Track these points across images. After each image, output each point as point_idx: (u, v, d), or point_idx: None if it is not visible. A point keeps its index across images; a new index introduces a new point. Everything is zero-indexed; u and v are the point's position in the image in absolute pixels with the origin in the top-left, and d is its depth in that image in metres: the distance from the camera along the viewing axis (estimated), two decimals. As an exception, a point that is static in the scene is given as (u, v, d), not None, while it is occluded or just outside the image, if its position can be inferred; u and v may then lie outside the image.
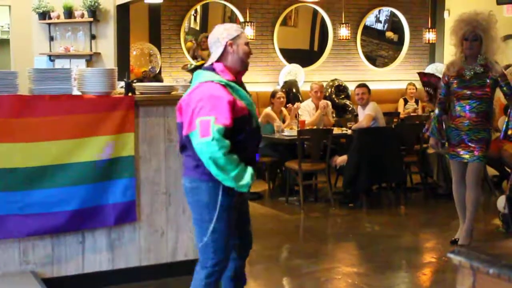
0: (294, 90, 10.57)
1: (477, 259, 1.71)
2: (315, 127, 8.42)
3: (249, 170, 3.53)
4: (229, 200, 3.63)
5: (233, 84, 3.62)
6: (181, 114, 3.62)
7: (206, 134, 3.41)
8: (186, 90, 3.69)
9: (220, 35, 3.69)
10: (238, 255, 3.91)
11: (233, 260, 3.88)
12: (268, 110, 8.49)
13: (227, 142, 3.43)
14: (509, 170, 8.01)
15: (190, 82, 3.80)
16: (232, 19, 11.32)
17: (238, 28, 3.80)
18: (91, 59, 8.33)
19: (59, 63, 8.32)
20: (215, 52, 3.69)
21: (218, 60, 3.67)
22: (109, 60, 8.23)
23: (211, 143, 3.40)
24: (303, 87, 10.68)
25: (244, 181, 3.50)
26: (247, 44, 3.77)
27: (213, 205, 3.61)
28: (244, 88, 3.74)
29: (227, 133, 3.45)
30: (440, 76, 6.20)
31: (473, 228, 5.97)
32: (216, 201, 3.60)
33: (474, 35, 5.68)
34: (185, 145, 3.64)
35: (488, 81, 5.72)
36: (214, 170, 3.46)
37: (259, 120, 8.27)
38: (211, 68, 3.66)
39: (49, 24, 8.56)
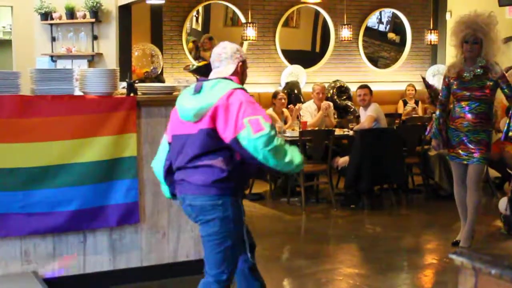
0: (296, 91, 10.57)
1: (479, 260, 1.71)
2: (316, 128, 8.42)
3: (295, 148, 3.57)
4: (242, 211, 3.64)
5: None
6: (212, 120, 3.50)
7: (261, 129, 3.41)
8: (209, 97, 3.55)
9: (233, 53, 3.74)
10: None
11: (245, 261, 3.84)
12: (270, 111, 8.50)
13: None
14: (511, 172, 8.00)
15: (202, 84, 3.67)
16: (234, 20, 11.34)
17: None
18: (93, 59, 8.34)
19: (61, 64, 8.33)
20: (227, 67, 3.72)
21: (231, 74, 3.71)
22: (111, 60, 8.23)
23: (269, 134, 3.40)
24: (305, 88, 10.68)
25: (299, 158, 3.53)
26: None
27: (238, 219, 3.58)
28: None
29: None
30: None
31: (474, 230, 5.97)
32: (240, 214, 3.59)
33: (475, 38, 5.68)
34: (203, 154, 3.52)
35: (487, 82, 5.72)
36: (273, 161, 3.44)
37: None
38: (230, 80, 3.67)
39: (51, 24, 8.56)
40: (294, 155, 3.50)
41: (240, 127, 3.43)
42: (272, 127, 3.44)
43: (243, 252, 3.71)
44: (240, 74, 3.73)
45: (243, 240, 3.66)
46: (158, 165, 3.81)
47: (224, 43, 3.83)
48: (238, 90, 3.56)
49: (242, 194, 3.72)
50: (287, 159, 3.48)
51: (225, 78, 3.65)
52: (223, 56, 3.74)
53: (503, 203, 6.34)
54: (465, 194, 5.94)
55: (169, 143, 3.73)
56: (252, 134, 3.40)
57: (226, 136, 3.47)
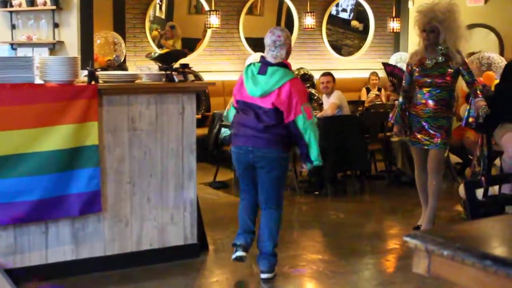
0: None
1: (432, 242, 1.74)
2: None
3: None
4: None
5: None
6: (277, 100, 4.64)
7: (311, 117, 4.70)
8: (268, 82, 4.71)
9: (285, 40, 4.80)
10: None
11: None
12: None
13: None
14: (471, 157, 8.12)
15: (267, 67, 4.77)
16: (198, 8, 11.29)
17: None
18: (54, 47, 8.22)
19: (22, 52, 8.20)
20: (281, 52, 4.77)
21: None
22: (73, 48, 8.12)
23: (315, 121, 4.75)
24: (269, 76, 10.67)
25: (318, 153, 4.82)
26: None
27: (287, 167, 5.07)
28: None
29: None
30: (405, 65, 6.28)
31: (435, 215, 6.06)
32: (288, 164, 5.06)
33: (431, 27, 5.79)
34: (274, 125, 4.70)
35: (448, 70, 5.82)
36: (314, 143, 4.72)
37: (227, 108, 8.30)
38: (285, 65, 4.78)
39: (11, 12, 8.41)
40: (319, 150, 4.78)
41: (298, 112, 4.63)
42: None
43: None
44: (287, 55, 4.83)
45: None
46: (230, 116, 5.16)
47: (277, 31, 4.85)
48: (296, 80, 4.78)
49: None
50: (317, 145, 4.74)
51: (282, 65, 4.73)
52: (277, 43, 4.75)
53: (463, 188, 6.44)
54: (426, 179, 6.03)
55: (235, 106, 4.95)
56: (306, 119, 4.64)
57: (287, 117, 4.66)
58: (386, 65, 7.93)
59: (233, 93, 5.00)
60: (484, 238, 2.02)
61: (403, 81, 6.14)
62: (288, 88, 4.64)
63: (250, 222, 5.10)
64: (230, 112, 5.22)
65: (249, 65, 4.89)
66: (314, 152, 4.75)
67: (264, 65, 4.76)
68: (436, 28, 5.77)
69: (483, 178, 3.15)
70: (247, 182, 5.01)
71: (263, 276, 4.93)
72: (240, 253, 5.00)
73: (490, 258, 1.67)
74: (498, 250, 1.87)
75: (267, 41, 4.80)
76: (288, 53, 4.82)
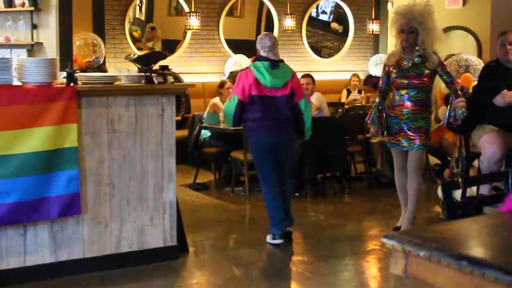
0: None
1: (409, 243, 1.76)
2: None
3: None
4: None
5: None
6: (289, 89, 5.80)
7: (309, 101, 6.20)
8: (283, 76, 5.84)
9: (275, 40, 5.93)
10: None
11: None
12: (216, 100, 8.49)
13: None
14: (450, 159, 8.18)
15: (278, 63, 5.90)
16: (178, 9, 11.28)
17: None
18: (32, 48, 8.16)
19: (0, 53, 8.14)
20: (279, 52, 5.95)
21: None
22: (52, 50, 8.08)
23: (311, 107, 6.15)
24: (249, 77, 10.68)
25: None
26: None
27: None
28: None
29: None
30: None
31: (414, 216, 6.10)
32: None
33: (410, 28, 5.82)
34: (291, 117, 5.92)
35: (425, 71, 5.86)
36: (309, 120, 5.94)
37: (207, 110, 8.28)
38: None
39: (-11, 13, 8.35)
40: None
41: (301, 97, 5.87)
42: None
43: None
44: None
45: None
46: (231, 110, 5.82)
47: (271, 34, 6.05)
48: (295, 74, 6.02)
49: None
50: (310, 127, 6.01)
51: (282, 60, 5.92)
52: (275, 44, 5.85)
53: (441, 189, 6.48)
54: (405, 180, 6.07)
55: (244, 102, 5.74)
56: (307, 102, 5.94)
57: (297, 99, 5.83)
58: (370, 78, 7.98)
59: (241, 90, 5.72)
60: (461, 239, 2.04)
61: (380, 82, 6.17)
62: (296, 77, 5.94)
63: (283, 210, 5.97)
64: (231, 105, 5.79)
65: (255, 65, 5.78)
66: (308, 128, 5.96)
67: (274, 62, 5.79)
68: (415, 29, 5.81)
69: (460, 180, 3.18)
70: (272, 168, 5.86)
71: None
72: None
73: (465, 259, 1.69)
74: (474, 250, 1.89)
75: (267, 43, 5.81)
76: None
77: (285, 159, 5.92)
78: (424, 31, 5.80)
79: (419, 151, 5.95)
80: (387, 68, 6.02)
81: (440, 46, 5.99)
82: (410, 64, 5.88)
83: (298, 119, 5.88)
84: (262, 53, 5.81)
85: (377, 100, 6.13)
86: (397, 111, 5.94)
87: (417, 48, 5.87)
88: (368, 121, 6.21)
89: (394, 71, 5.94)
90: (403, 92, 5.90)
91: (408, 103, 5.88)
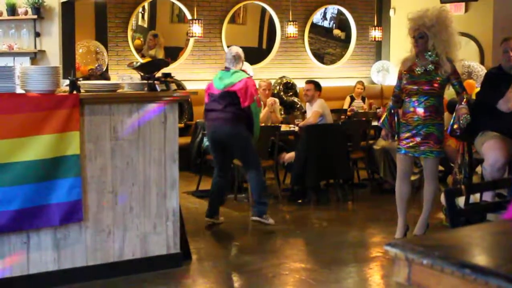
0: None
1: (412, 251, 1.75)
2: (263, 124, 8.44)
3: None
4: None
5: None
6: (239, 93, 6.52)
7: (259, 105, 6.77)
8: (230, 81, 6.57)
9: (241, 54, 6.73)
10: None
11: None
12: None
13: None
14: (453, 165, 8.17)
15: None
16: (180, 16, 11.30)
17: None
18: (35, 56, 8.20)
19: (3, 61, 8.15)
20: (241, 65, 6.73)
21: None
22: (54, 58, 8.11)
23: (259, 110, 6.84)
24: (252, 84, 10.69)
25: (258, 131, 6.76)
26: None
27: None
28: None
29: None
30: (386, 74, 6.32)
31: (428, 219, 6.12)
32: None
33: (419, 33, 5.80)
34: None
35: (436, 77, 5.83)
36: (257, 122, 6.65)
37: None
38: (243, 70, 6.70)
39: (-8, 21, 8.38)
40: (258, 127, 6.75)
41: (249, 101, 6.50)
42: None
43: None
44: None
45: None
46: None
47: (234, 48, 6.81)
48: (250, 79, 6.65)
49: None
50: (258, 127, 6.75)
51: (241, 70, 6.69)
52: (237, 57, 6.70)
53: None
54: (406, 190, 6.06)
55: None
56: (256, 106, 6.56)
57: (244, 103, 6.51)
58: None
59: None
60: (464, 246, 2.03)
61: (394, 87, 6.19)
62: (245, 83, 6.53)
63: None
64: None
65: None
66: (255, 128, 6.67)
67: (226, 69, 6.72)
68: (425, 34, 5.79)
69: (463, 187, 3.17)
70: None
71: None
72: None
73: (469, 267, 1.69)
74: (477, 258, 1.88)
75: (227, 56, 6.78)
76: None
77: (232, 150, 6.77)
78: (434, 36, 5.78)
79: (429, 158, 5.93)
80: (400, 74, 6.04)
81: (454, 52, 5.95)
82: (422, 70, 5.87)
83: (250, 120, 6.57)
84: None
85: (390, 103, 6.16)
86: (408, 118, 5.93)
87: (429, 53, 5.85)
88: (379, 124, 6.25)
89: (406, 77, 5.94)
90: (414, 98, 5.89)
91: (419, 110, 5.86)
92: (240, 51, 6.72)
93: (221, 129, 6.58)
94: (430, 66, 5.85)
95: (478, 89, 6.96)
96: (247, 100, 6.47)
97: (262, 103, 6.72)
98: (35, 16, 8.12)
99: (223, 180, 6.88)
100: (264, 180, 6.81)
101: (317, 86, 8.25)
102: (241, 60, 6.70)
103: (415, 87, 5.87)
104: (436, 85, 5.84)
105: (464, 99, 5.86)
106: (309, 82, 8.31)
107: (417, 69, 5.89)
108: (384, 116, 6.15)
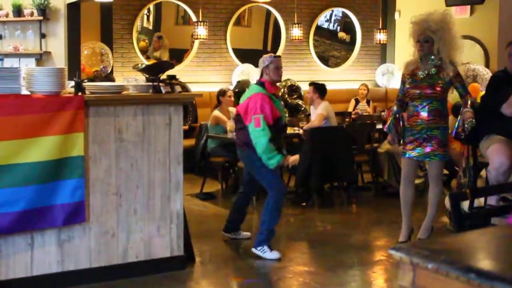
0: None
1: (417, 255, 1.75)
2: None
3: (273, 152, 5.72)
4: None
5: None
6: (241, 113, 5.86)
7: (257, 126, 5.68)
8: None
9: (261, 61, 6.03)
10: None
11: None
12: (217, 113, 8.45)
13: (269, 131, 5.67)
14: (457, 169, 8.15)
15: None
16: (185, 18, 11.31)
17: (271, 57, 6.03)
18: (41, 58, 8.22)
19: (8, 62, 8.19)
20: (261, 74, 6.00)
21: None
22: (60, 59, 8.12)
23: (260, 131, 5.69)
24: (256, 87, 10.68)
25: (269, 160, 5.71)
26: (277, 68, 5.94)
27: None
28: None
29: (269, 127, 5.69)
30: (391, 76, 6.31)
31: (433, 223, 6.11)
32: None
33: (425, 37, 5.78)
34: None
35: (439, 81, 5.81)
36: (261, 147, 5.68)
37: (209, 122, 8.25)
38: (261, 83, 5.96)
39: (-2, 22, 8.41)
40: (269, 155, 5.68)
41: (248, 120, 5.76)
42: (266, 125, 5.68)
43: None
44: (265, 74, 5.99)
45: None
46: None
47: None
48: (257, 94, 5.82)
49: None
50: (262, 153, 5.69)
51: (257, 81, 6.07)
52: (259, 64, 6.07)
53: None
54: (411, 194, 6.04)
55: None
56: (254, 126, 5.69)
57: (245, 123, 5.80)
58: None
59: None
60: (469, 251, 2.02)
61: (398, 91, 6.18)
62: (248, 100, 5.85)
63: None
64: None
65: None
66: (259, 152, 5.73)
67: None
68: (430, 38, 5.77)
69: (468, 191, 3.16)
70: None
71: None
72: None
73: (474, 271, 1.68)
74: (483, 263, 1.87)
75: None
76: (262, 73, 6.02)
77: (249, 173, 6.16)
78: (439, 40, 5.76)
79: (433, 161, 5.91)
80: (403, 77, 6.03)
81: (458, 56, 5.94)
82: (425, 74, 5.85)
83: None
84: None
85: (394, 108, 6.13)
86: (411, 122, 5.91)
87: (432, 57, 5.83)
88: (385, 129, 6.24)
89: (408, 81, 5.92)
90: (417, 102, 5.87)
91: (422, 114, 5.84)
92: (263, 57, 6.07)
93: (238, 152, 6.13)
94: (432, 70, 5.84)
95: (483, 92, 6.95)
96: (247, 120, 5.77)
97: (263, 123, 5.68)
98: (41, 18, 8.14)
99: (244, 196, 6.38)
100: (279, 208, 5.93)
101: (317, 88, 8.23)
102: (262, 68, 6.00)
103: (418, 91, 5.85)
104: (438, 89, 5.83)
105: (469, 102, 5.84)
106: (309, 84, 8.33)
107: (419, 73, 5.88)
108: (389, 121, 6.14)
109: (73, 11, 8.30)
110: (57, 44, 8.21)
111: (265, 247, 5.77)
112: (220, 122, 8.33)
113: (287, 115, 9.63)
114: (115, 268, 5.08)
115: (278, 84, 6.60)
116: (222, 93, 8.72)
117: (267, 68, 5.93)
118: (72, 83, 4.93)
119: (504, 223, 2.94)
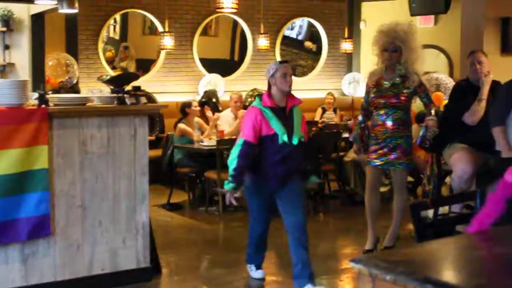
0: (214, 100, 10.59)
1: (375, 267, 1.77)
2: (234, 136, 8.43)
3: (234, 162, 5.03)
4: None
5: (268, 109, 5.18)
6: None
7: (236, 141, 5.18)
8: None
9: (266, 70, 5.22)
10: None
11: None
12: (182, 125, 8.43)
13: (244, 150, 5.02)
14: (422, 176, 8.24)
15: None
16: (152, 29, 11.28)
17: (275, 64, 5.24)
18: (4, 69, 8.14)
19: (-29, 74, 8.09)
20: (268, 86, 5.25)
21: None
22: (24, 70, 8.06)
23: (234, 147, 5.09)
24: (224, 96, 10.72)
25: (226, 182, 5.08)
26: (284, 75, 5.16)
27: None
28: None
29: (251, 145, 5.04)
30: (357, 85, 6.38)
31: (398, 230, 6.17)
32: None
33: (393, 46, 5.82)
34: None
35: (404, 90, 5.88)
36: (231, 165, 5.06)
37: (175, 134, 8.21)
38: (259, 95, 5.32)
39: (-40, 33, 8.31)
40: (229, 175, 5.05)
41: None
42: (242, 143, 5.02)
43: None
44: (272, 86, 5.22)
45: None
46: None
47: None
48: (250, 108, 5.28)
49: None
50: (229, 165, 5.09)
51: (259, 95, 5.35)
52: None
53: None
54: (375, 202, 6.10)
55: None
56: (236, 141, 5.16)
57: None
58: None
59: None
60: (429, 261, 2.05)
61: (363, 100, 6.23)
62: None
63: None
64: None
65: None
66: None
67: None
68: (399, 47, 5.83)
69: (429, 200, 3.21)
70: None
71: None
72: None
73: (431, 282, 1.71)
74: (441, 274, 1.90)
75: None
76: (269, 83, 5.25)
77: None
78: (407, 50, 5.83)
79: (398, 170, 5.97)
80: (367, 87, 6.08)
81: (420, 65, 6.01)
82: (390, 84, 5.91)
83: (254, 162, 5.16)
84: None
85: (359, 118, 6.21)
86: (376, 131, 5.96)
87: (399, 67, 5.89)
88: (351, 139, 6.28)
89: (373, 90, 5.98)
90: (382, 111, 5.93)
91: (388, 123, 5.90)
92: (268, 66, 5.29)
93: None
94: (397, 79, 5.90)
95: (447, 101, 7.05)
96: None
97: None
98: (4, 29, 8.06)
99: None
100: (253, 236, 5.69)
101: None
102: (267, 79, 5.22)
103: (383, 101, 5.91)
104: (403, 98, 5.89)
105: (432, 111, 5.93)
106: None
107: (384, 83, 5.94)
108: (355, 131, 6.20)
109: (38, 22, 8.24)
110: (21, 56, 8.14)
111: (252, 266, 5.62)
112: (186, 134, 8.33)
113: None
114: (81, 281, 5.04)
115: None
116: (188, 105, 8.72)
117: (273, 77, 5.14)
118: (36, 95, 4.90)
119: (466, 233, 2.99)
